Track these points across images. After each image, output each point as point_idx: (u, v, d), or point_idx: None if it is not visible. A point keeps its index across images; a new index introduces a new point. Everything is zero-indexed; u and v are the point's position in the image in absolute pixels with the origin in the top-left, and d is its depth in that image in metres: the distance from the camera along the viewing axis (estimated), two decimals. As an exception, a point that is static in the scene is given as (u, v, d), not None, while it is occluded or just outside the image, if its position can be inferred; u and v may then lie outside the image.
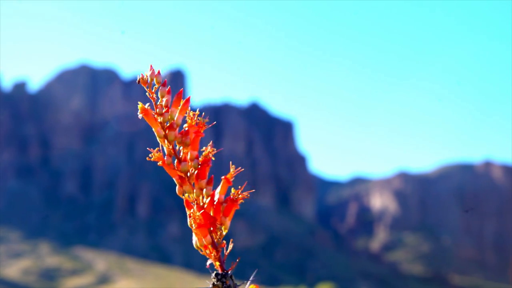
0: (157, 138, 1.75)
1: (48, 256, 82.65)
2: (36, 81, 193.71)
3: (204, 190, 1.75)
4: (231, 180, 1.79)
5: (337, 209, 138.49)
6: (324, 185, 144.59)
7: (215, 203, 1.76)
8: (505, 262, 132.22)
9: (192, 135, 1.77)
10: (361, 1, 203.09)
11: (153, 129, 1.75)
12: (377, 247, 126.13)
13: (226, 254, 1.80)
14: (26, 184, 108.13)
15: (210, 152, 1.78)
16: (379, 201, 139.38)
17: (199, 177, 1.76)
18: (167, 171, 1.75)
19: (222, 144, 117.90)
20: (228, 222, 1.78)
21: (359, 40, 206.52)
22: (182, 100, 1.78)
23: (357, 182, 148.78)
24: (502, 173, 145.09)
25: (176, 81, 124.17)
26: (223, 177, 1.79)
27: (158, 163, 1.74)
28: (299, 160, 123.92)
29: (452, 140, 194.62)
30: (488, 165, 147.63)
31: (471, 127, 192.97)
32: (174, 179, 1.77)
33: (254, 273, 1.87)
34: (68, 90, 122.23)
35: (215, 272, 1.77)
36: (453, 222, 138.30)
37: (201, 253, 1.77)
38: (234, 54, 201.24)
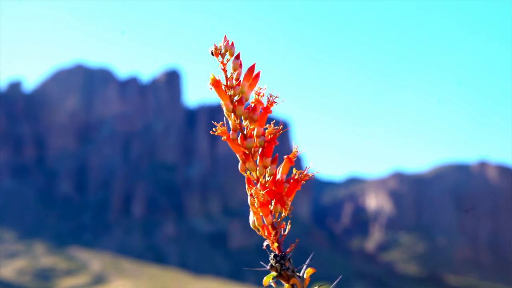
0: (224, 112, 1.70)
1: (43, 256, 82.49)
2: (31, 81, 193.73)
3: (269, 168, 1.70)
4: (293, 160, 1.76)
5: (333, 209, 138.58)
6: (319, 185, 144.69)
7: (277, 182, 1.71)
8: (500, 262, 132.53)
9: (259, 111, 1.70)
10: (357, 0, 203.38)
11: (221, 101, 1.70)
12: (373, 247, 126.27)
13: (284, 235, 1.74)
14: (21, 184, 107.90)
15: (279, 130, 1.72)
16: (374, 201, 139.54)
17: (264, 154, 1.70)
18: (231, 146, 1.70)
19: (218, 145, 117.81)
20: (289, 203, 1.74)
21: (356, 40, 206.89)
22: (253, 74, 1.71)
23: (353, 182, 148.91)
24: (497, 174, 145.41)
25: (171, 81, 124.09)
26: (285, 156, 1.75)
27: (222, 138, 1.69)
28: (295, 160, 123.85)
29: (447, 141, 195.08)
30: (483, 165, 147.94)
31: (466, 128, 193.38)
32: (237, 155, 1.71)
33: (310, 257, 1.82)
34: (63, 90, 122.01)
35: (273, 253, 1.72)
36: (448, 222, 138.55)
37: (258, 233, 1.72)
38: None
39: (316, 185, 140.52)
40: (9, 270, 75.47)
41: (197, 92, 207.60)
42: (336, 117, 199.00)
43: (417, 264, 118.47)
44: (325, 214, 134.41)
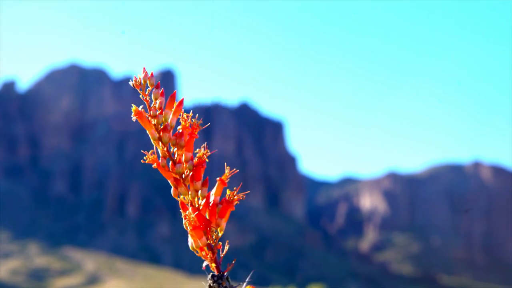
0: (151, 140, 1.75)
1: (37, 256, 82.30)
2: (25, 81, 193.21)
3: (200, 191, 1.76)
4: (226, 181, 1.81)
5: (327, 209, 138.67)
6: (314, 186, 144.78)
7: (210, 204, 1.76)
8: (494, 262, 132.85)
9: (186, 137, 1.78)
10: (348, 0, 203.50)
11: (147, 131, 1.75)
12: (367, 247, 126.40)
13: (222, 255, 1.78)
14: (15, 184, 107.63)
15: (205, 154, 1.81)
16: (368, 201, 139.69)
17: (194, 178, 1.76)
18: (162, 173, 1.75)
19: (212, 144, 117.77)
20: (223, 223, 1.78)
21: (350, 39, 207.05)
22: (175, 102, 1.79)
23: (347, 182, 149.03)
24: (491, 174, 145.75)
25: (166, 81, 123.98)
26: (218, 178, 1.80)
27: (152, 166, 1.74)
28: (289, 160, 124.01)
29: (441, 141, 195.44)
30: (477, 165, 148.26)
31: (461, 128, 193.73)
32: (169, 181, 1.77)
33: (250, 274, 1.84)
34: (57, 89, 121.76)
35: (211, 273, 1.76)
36: (443, 223, 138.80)
37: (197, 254, 1.77)
38: (224, 54, 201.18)
39: (311, 185, 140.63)
40: (3, 270, 75.27)
41: (191, 92, 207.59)
42: (331, 117, 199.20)
43: (411, 264, 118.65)
44: (319, 214, 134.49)
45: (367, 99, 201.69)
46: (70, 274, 77.47)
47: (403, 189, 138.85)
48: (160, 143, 1.75)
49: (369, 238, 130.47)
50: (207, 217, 1.75)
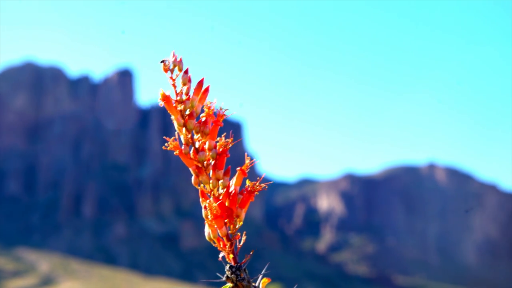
0: (175, 126, 1.73)
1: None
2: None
3: (221, 181, 1.72)
4: (246, 171, 1.78)
5: (285, 210, 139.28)
6: (271, 187, 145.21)
7: (231, 194, 1.73)
8: (447, 262, 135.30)
9: (210, 125, 1.74)
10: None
11: (172, 116, 1.74)
12: (323, 248, 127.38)
13: (239, 246, 1.79)
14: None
15: (229, 143, 1.76)
16: (326, 202, 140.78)
17: (216, 167, 1.72)
18: (183, 160, 1.71)
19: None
20: (243, 214, 1.76)
21: (303, 38, 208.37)
22: (202, 88, 1.73)
23: (305, 183, 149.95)
24: (445, 175, 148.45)
25: (124, 80, 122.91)
26: (238, 168, 1.77)
27: (174, 153, 1.71)
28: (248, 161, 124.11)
29: (397, 143, 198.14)
30: (432, 167, 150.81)
31: (416, 131, 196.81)
32: (190, 169, 1.72)
33: (266, 266, 1.85)
34: (12, 88, 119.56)
35: (229, 264, 1.76)
36: (398, 223, 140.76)
37: (213, 245, 1.75)
38: (182, 53, 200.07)
39: (268, 186, 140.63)
40: (-47, 271, 73.59)
41: (150, 92, 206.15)
42: (289, 118, 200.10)
43: (367, 264, 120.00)
44: (277, 215, 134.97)
45: (323, 101, 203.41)
46: (24, 275, 76.18)
47: (360, 190, 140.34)
48: (184, 129, 1.73)
49: (325, 238, 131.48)
50: (229, 206, 1.73)
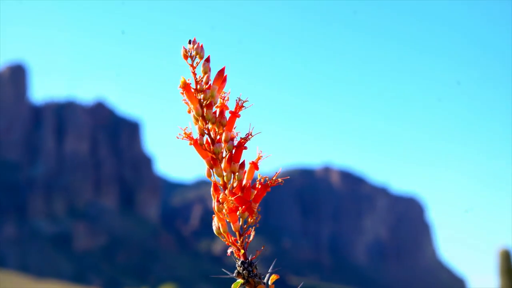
0: (192, 116, 1.64)
1: None
2: None
3: (236, 174, 1.65)
4: (258, 165, 1.70)
5: (182, 211, 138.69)
6: (169, 187, 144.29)
7: (245, 188, 1.67)
8: (339, 263, 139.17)
9: (227, 116, 1.66)
10: None
11: (191, 106, 1.64)
12: (220, 249, 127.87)
13: (249, 242, 1.71)
14: None
15: (249, 135, 1.66)
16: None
17: (232, 160, 1.65)
18: (198, 151, 1.65)
19: (65, 143, 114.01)
20: (256, 208, 1.68)
21: (213, 38, 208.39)
22: (222, 78, 1.66)
23: (203, 184, 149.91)
24: (339, 178, 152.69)
25: (16, 76, 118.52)
26: (250, 162, 1.69)
27: (189, 143, 1.64)
28: (145, 161, 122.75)
29: (294, 146, 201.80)
30: (327, 170, 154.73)
31: (312, 134, 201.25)
32: (204, 160, 1.66)
33: (273, 263, 1.75)
34: None
35: (240, 260, 1.69)
36: (293, 225, 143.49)
37: (222, 240, 1.69)
38: (79, 50, 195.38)
39: (165, 187, 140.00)
40: None
41: (44, 88, 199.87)
42: (186, 119, 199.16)
43: (263, 265, 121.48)
44: (174, 216, 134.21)
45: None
46: None
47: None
48: (200, 119, 1.63)
49: (222, 240, 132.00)
50: (248, 200, 1.67)
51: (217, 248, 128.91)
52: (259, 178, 1.69)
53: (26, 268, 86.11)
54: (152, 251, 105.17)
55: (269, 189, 1.69)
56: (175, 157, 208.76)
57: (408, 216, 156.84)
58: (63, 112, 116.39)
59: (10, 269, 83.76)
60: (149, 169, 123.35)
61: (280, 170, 1.72)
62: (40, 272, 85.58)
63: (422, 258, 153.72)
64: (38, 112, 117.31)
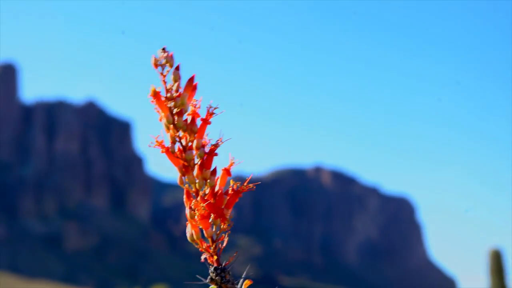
0: (163, 124, 1.63)
1: None
2: None
3: (208, 180, 1.66)
4: (230, 171, 1.72)
5: (173, 211, 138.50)
6: (160, 187, 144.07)
7: (217, 194, 1.68)
8: (331, 263, 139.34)
9: (198, 123, 1.66)
10: None
11: (161, 114, 1.64)
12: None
13: (222, 248, 1.70)
14: None
15: (219, 141, 1.67)
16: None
17: (204, 166, 1.66)
18: (170, 159, 1.64)
19: (55, 143, 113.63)
20: (228, 214, 1.68)
21: (198, 35, 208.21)
22: (192, 85, 1.66)
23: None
24: (330, 178, 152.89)
25: (6, 75, 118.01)
26: (222, 168, 1.70)
27: (160, 151, 1.63)
28: (136, 161, 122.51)
29: (285, 146, 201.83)
30: (318, 170, 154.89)
31: (304, 135, 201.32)
32: (176, 167, 1.66)
33: (247, 268, 1.76)
34: None
35: (213, 266, 1.67)
36: (284, 225, 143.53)
37: (196, 246, 1.68)
38: (71, 50, 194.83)
39: (156, 187, 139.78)
40: None
41: (34, 88, 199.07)
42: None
43: (254, 266, 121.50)
44: (165, 216, 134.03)
45: (211, 102, 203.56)
46: None
47: (248, 192, 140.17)
48: (171, 127, 1.63)
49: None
50: (220, 206, 1.68)
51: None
52: (231, 184, 1.70)
53: (16, 268, 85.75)
54: (143, 251, 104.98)
55: (241, 195, 1.70)
56: (166, 157, 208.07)
57: (399, 217, 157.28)
58: (53, 112, 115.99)
59: (0, 270, 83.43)
60: (140, 169, 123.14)
61: (251, 176, 1.74)
62: (30, 273, 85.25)
63: (413, 258, 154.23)
64: (28, 112, 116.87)
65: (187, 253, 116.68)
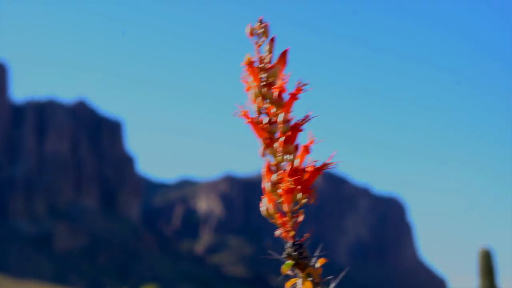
0: (251, 94, 1.61)
1: None
2: None
3: (290, 156, 1.63)
4: (309, 148, 1.67)
5: (164, 211, 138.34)
6: (151, 187, 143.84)
7: (298, 170, 1.65)
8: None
9: (286, 97, 1.64)
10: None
11: (251, 83, 1.62)
12: (202, 249, 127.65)
13: (298, 223, 1.67)
14: None
15: (307, 117, 1.64)
16: (205, 204, 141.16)
17: (288, 141, 1.63)
18: (254, 130, 1.62)
19: (45, 142, 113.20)
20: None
21: (189, 36, 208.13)
22: (285, 59, 1.64)
23: (185, 184, 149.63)
24: (321, 178, 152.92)
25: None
26: (302, 145, 1.67)
27: (245, 121, 1.62)
28: (127, 161, 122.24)
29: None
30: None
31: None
32: (260, 139, 1.63)
33: (320, 246, 1.70)
34: None
35: (291, 242, 1.62)
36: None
37: (271, 221, 1.66)
38: (61, 49, 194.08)
39: (148, 187, 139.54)
40: None
41: (24, 87, 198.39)
42: (169, 119, 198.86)
43: (244, 266, 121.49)
44: (156, 216, 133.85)
45: (203, 103, 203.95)
46: None
47: (239, 192, 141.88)
48: (259, 99, 1.61)
49: (204, 240, 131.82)
50: (307, 181, 1.65)
51: (199, 248, 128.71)
52: (311, 161, 1.66)
53: (6, 268, 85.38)
54: (133, 251, 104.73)
55: (321, 173, 1.67)
56: (156, 157, 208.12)
57: (389, 217, 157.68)
58: (44, 111, 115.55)
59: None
60: (131, 169, 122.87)
61: (334, 153, 1.70)
62: (20, 273, 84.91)
63: (403, 258, 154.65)
64: (18, 111, 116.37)
65: (177, 253, 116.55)
